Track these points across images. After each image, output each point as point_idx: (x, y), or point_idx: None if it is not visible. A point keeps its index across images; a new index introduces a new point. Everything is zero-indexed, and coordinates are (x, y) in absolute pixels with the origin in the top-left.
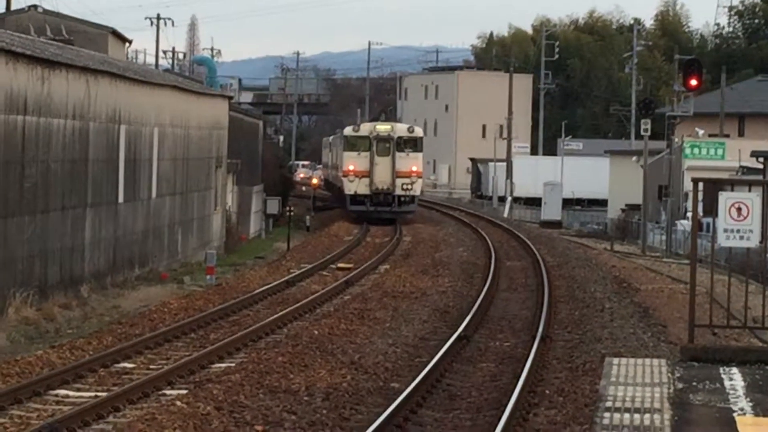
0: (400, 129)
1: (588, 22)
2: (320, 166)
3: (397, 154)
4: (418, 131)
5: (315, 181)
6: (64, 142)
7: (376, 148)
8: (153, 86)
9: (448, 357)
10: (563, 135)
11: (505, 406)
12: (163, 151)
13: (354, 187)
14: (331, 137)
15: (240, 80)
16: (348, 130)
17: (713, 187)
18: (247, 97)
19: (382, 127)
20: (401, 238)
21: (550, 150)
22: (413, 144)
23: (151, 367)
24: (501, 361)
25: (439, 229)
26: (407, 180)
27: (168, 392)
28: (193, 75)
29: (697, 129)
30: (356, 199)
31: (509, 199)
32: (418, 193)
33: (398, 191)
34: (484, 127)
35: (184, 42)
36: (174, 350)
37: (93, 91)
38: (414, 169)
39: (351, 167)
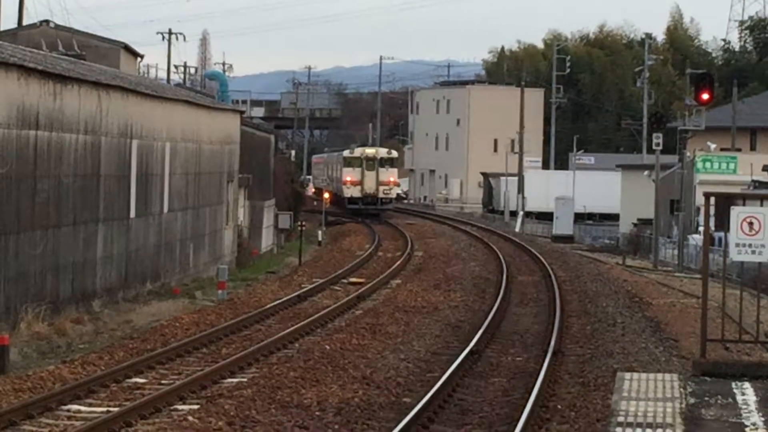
0: (382, 151)
1: (598, 36)
2: (309, 177)
3: (380, 169)
4: (394, 153)
5: (327, 195)
6: (76, 156)
7: (365, 165)
8: (165, 101)
9: (460, 372)
10: (575, 149)
11: (517, 421)
12: (174, 165)
13: (350, 192)
14: (325, 155)
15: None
16: (346, 153)
17: (725, 202)
18: (258, 112)
19: (369, 150)
20: (413, 253)
21: (562, 164)
22: (391, 162)
23: (163, 382)
24: (513, 375)
25: (450, 243)
26: (387, 187)
27: (180, 407)
28: (205, 90)
29: (708, 143)
30: (352, 200)
31: (521, 213)
32: (394, 196)
33: (381, 195)
34: (495, 141)
35: (195, 57)
36: (186, 365)
37: (105, 106)
38: (391, 179)
39: (348, 178)
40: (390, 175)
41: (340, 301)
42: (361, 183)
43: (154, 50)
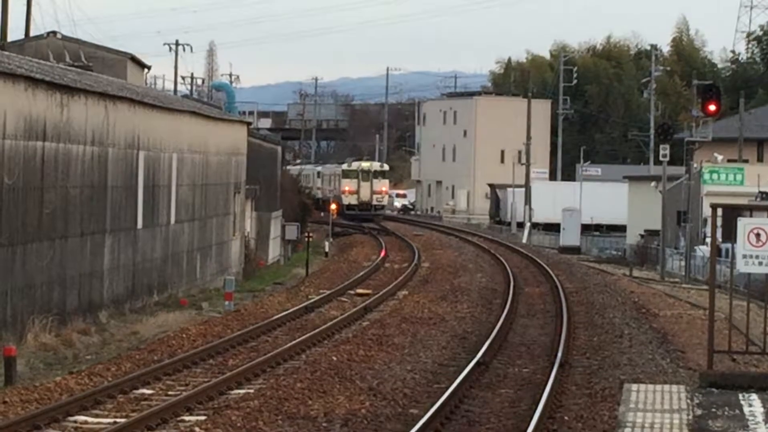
0: (375, 165)
1: (605, 47)
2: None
3: (373, 180)
4: (386, 166)
5: (334, 206)
6: (83, 168)
7: (360, 176)
8: (172, 112)
9: (467, 383)
10: (582, 160)
11: None
12: (181, 176)
13: (348, 200)
14: (320, 168)
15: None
16: (344, 166)
17: (732, 213)
18: (265, 123)
19: (365, 164)
20: (420, 264)
21: (569, 175)
22: (383, 174)
23: (170, 393)
24: (520, 387)
25: (457, 255)
26: (379, 196)
27: (186, 418)
28: (212, 101)
29: (715, 154)
30: (349, 207)
31: (528, 224)
32: (386, 203)
33: (374, 202)
34: (502, 152)
35: (202, 68)
36: (192, 376)
37: (112, 117)
38: (383, 189)
39: (347, 188)
40: (382, 185)
41: (346, 313)
42: (357, 192)
43: (161, 61)
